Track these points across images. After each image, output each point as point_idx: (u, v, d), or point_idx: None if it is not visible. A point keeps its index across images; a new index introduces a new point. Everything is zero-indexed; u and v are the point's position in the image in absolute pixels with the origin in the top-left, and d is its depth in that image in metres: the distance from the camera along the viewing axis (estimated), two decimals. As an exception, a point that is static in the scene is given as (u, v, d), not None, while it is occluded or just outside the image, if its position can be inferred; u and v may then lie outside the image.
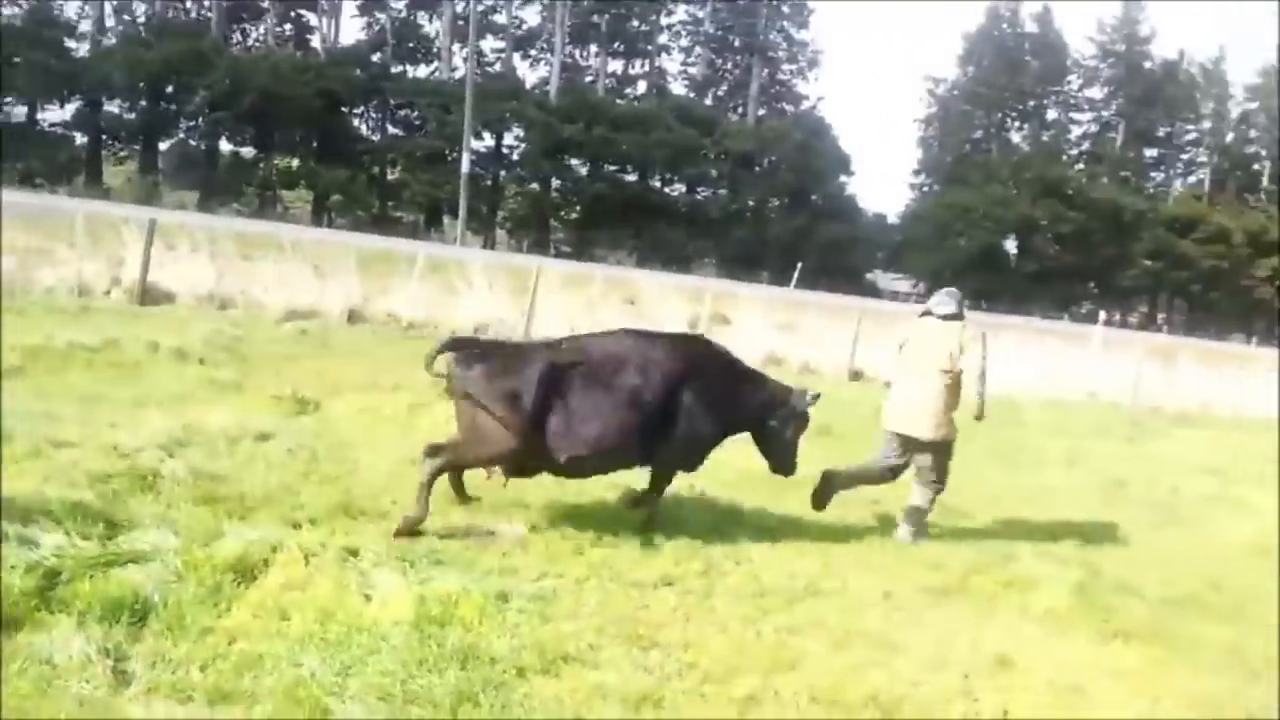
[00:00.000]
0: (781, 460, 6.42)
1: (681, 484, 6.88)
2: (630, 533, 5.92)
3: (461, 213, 47.36)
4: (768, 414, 6.28)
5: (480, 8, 53.43)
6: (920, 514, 6.77)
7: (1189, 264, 60.09)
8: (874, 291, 57.66)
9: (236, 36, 56.93)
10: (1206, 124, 67.41)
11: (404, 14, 57.86)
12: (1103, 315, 25.12)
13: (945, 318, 6.72)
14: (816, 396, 6.33)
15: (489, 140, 53.82)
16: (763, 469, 8.19)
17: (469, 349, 5.83)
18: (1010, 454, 11.22)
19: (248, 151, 51.00)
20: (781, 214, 52.95)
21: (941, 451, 6.75)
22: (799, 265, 45.49)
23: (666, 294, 19.64)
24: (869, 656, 4.58)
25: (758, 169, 53.30)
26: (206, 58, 46.30)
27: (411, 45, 57.90)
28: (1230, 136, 67.04)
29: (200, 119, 48.51)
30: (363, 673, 3.70)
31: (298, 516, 5.32)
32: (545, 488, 6.49)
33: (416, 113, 52.12)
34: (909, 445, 6.71)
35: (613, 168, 53.23)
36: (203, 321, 12.67)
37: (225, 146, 51.30)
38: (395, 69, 54.91)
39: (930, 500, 6.79)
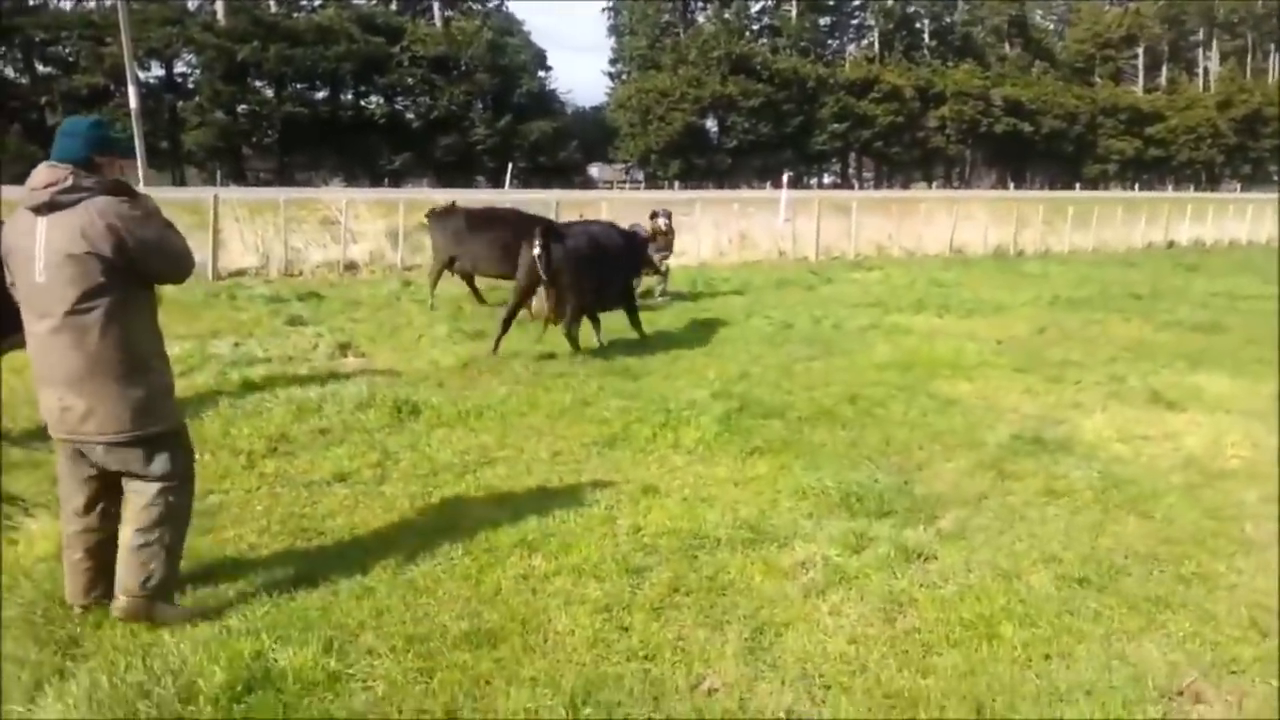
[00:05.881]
0: None
1: (358, 386, 7.08)
2: (306, 440, 6.07)
3: (139, 152, 43.38)
4: None
5: (121, -78, 48.12)
6: None
7: (869, 122, 65.02)
8: (592, 184, 58.64)
9: None
10: (869, -12, 72.29)
11: (31, -62, 51.22)
12: (785, 178, 26.89)
13: None
14: None
15: (159, 70, 49.42)
16: (451, 362, 8.53)
17: None
18: (693, 314, 12.08)
19: None
20: (485, 117, 52.19)
21: None
22: (510, 167, 45.49)
23: (364, 209, 19.20)
24: (528, 507, 5.00)
25: (454, 73, 52.02)
26: None
27: (46, -28, 51.56)
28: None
29: None
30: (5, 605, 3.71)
31: None
32: (222, 416, 6.51)
33: (67, 49, 46.79)
34: None
35: (300, 86, 50.30)
36: None
37: None
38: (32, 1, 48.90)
39: None
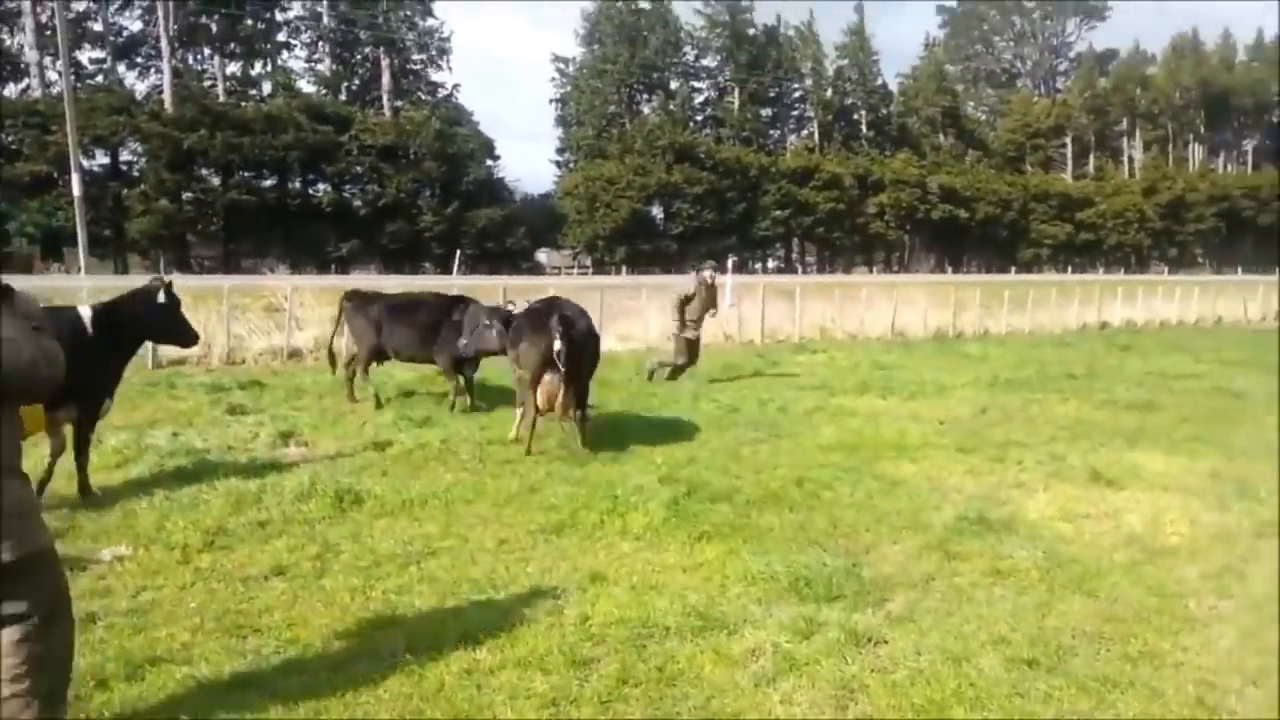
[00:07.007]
0: None
1: (299, 475, 6.93)
2: (244, 533, 5.91)
3: (81, 239, 42.84)
4: None
5: (70, 16, 48.22)
6: None
7: (811, 209, 66.67)
8: (540, 269, 59.06)
9: None
10: (809, 82, 74.77)
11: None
12: (730, 263, 27.31)
13: None
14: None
15: (103, 158, 49.28)
16: (396, 450, 8.40)
17: None
18: (641, 400, 12.09)
19: None
20: (433, 204, 52.61)
21: None
22: (458, 253, 45.72)
23: (309, 296, 19.06)
24: (473, 598, 4.90)
25: (402, 160, 52.57)
26: None
27: (-9, 62, 51.68)
28: (829, 92, 74.75)
29: None
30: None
31: None
32: (157, 509, 6.32)
33: (10, 137, 46.52)
34: None
35: (247, 174, 50.41)
36: None
37: None
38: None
39: None
